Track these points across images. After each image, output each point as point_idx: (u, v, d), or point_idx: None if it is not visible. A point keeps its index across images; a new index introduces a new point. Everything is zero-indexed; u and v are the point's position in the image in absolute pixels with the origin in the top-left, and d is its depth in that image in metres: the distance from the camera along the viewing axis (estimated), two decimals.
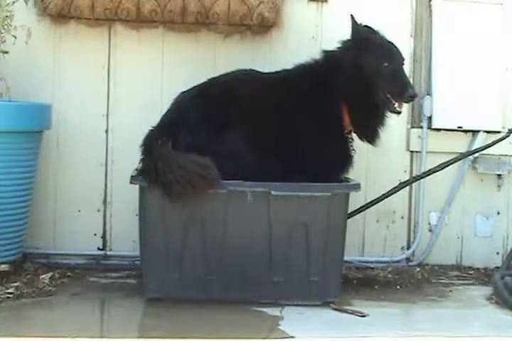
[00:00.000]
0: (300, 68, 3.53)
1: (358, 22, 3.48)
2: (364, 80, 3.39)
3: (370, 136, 3.53)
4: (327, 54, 3.53)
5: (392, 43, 3.52)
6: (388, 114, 3.49)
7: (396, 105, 3.40)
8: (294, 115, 3.40)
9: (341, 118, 3.45)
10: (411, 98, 3.41)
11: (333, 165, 3.44)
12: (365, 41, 3.46)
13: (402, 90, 3.39)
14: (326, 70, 3.47)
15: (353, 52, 3.45)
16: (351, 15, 3.47)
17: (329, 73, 3.45)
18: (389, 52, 3.48)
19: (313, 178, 3.31)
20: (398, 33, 3.98)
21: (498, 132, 3.97)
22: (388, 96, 3.39)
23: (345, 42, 3.52)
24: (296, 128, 3.39)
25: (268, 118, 3.38)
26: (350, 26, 3.47)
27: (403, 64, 3.52)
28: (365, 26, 3.53)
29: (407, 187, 3.87)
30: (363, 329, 3.07)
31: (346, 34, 3.88)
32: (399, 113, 3.43)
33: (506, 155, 4.04)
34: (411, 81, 3.99)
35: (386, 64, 3.41)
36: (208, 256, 3.26)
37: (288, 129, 3.38)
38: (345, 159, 3.48)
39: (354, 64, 3.41)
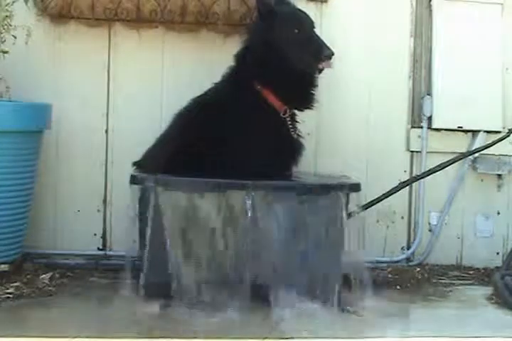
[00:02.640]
0: (223, 75, 3.52)
1: None
2: (279, 53, 3.35)
3: (305, 103, 3.51)
4: (238, 50, 3.51)
5: (299, 10, 3.52)
6: (313, 74, 3.47)
7: (320, 66, 3.39)
8: (222, 120, 3.36)
9: (268, 104, 3.41)
10: (328, 58, 3.37)
11: (275, 156, 3.37)
12: (269, 14, 3.41)
13: (318, 52, 3.36)
14: (240, 63, 3.48)
15: (259, 30, 3.44)
16: None
17: (243, 64, 3.46)
18: (296, 18, 3.45)
19: (259, 173, 3.27)
20: (398, 33, 3.99)
21: (498, 132, 3.97)
22: (308, 59, 3.36)
23: (252, 25, 3.52)
24: (227, 132, 3.35)
25: (203, 134, 3.36)
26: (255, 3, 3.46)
27: (314, 28, 3.48)
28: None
29: (407, 187, 3.87)
30: (363, 330, 3.08)
31: (346, 34, 3.90)
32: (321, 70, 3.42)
33: (506, 155, 4.04)
34: (411, 81, 4.02)
35: (296, 30, 3.39)
36: (207, 256, 3.26)
37: (220, 136, 3.34)
38: (286, 145, 3.44)
39: (263, 41, 3.40)
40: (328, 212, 3.30)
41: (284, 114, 3.44)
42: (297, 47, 3.38)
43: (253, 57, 3.42)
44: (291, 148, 3.48)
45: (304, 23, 3.46)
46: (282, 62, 3.37)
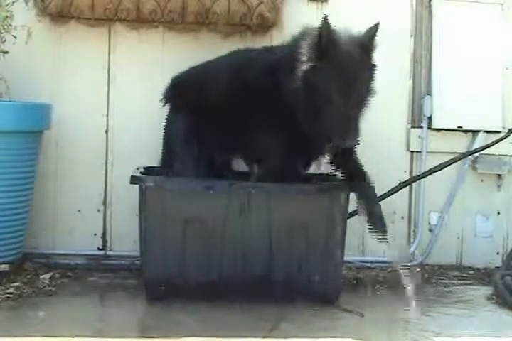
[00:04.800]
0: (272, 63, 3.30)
1: (332, 26, 3.11)
2: (312, 102, 3.09)
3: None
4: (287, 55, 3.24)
5: (357, 64, 3.15)
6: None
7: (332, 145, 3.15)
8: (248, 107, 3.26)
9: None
10: (346, 146, 3.12)
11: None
12: (326, 53, 3.08)
13: (342, 136, 3.05)
14: (279, 70, 3.23)
15: (310, 61, 3.11)
16: (325, 17, 3.09)
17: (282, 75, 3.20)
18: (347, 79, 3.09)
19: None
20: (398, 33, 3.99)
21: (498, 132, 3.98)
22: (328, 132, 3.09)
23: (305, 42, 3.16)
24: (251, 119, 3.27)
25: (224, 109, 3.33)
26: (320, 27, 3.11)
27: (365, 92, 3.19)
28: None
29: (407, 187, 3.87)
30: (363, 329, 3.08)
31: None
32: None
33: (506, 155, 4.04)
34: (411, 81, 4.02)
35: (338, 97, 3.06)
36: (207, 256, 3.26)
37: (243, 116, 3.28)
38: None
39: (305, 78, 3.09)
40: (328, 212, 3.30)
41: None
42: (329, 117, 3.07)
43: (291, 83, 3.13)
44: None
45: (352, 88, 3.08)
46: (312, 110, 3.10)
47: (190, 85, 3.51)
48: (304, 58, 3.12)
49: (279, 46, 3.40)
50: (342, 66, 3.09)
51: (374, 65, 3.23)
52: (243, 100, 3.28)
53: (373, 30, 3.22)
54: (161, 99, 3.58)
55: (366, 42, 3.20)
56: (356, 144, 3.10)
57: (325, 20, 3.09)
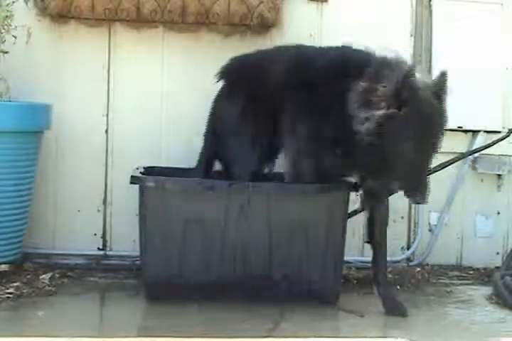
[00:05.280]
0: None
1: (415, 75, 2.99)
2: (383, 149, 2.98)
3: None
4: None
5: (435, 117, 3.05)
6: None
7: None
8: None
9: None
10: (415, 203, 3.14)
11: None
12: (406, 104, 2.94)
13: (412, 191, 3.00)
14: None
15: (388, 107, 2.95)
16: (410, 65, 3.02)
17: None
18: (425, 133, 2.99)
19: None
20: (398, 33, 3.99)
21: (498, 132, 3.98)
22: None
23: (384, 80, 3.00)
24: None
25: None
26: (404, 73, 2.97)
27: (437, 143, 3.06)
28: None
29: None
30: (363, 330, 3.08)
31: (346, 34, 3.88)
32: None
33: (506, 155, 4.04)
34: None
35: (413, 151, 2.97)
36: (207, 256, 3.26)
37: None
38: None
39: (381, 124, 2.95)
40: (328, 212, 3.30)
41: None
42: (397, 166, 3.00)
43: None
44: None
45: (427, 140, 2.99)
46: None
47: (251, 66, 3.46)
48: (382, 102, 2.97)
49: (353, 60, 3.24)
50: (422, 119, 2.99)
51: (446, 115, 3.13)
52: (301, 102, 3.25)
53: (444, 77, 3.12)
54: (216, 74, 3.49)
55: (440, 92, 3.11)
56: (426, 202, 3.03)
57: (409, 68, 2.99)
